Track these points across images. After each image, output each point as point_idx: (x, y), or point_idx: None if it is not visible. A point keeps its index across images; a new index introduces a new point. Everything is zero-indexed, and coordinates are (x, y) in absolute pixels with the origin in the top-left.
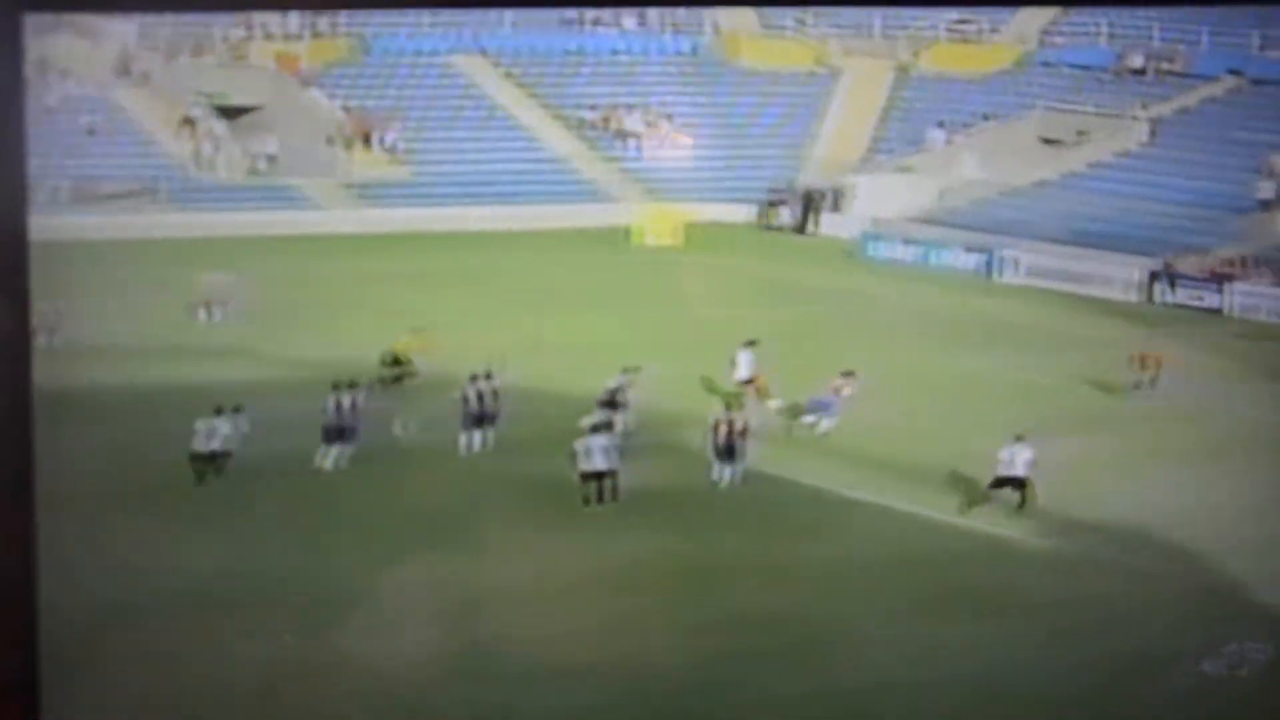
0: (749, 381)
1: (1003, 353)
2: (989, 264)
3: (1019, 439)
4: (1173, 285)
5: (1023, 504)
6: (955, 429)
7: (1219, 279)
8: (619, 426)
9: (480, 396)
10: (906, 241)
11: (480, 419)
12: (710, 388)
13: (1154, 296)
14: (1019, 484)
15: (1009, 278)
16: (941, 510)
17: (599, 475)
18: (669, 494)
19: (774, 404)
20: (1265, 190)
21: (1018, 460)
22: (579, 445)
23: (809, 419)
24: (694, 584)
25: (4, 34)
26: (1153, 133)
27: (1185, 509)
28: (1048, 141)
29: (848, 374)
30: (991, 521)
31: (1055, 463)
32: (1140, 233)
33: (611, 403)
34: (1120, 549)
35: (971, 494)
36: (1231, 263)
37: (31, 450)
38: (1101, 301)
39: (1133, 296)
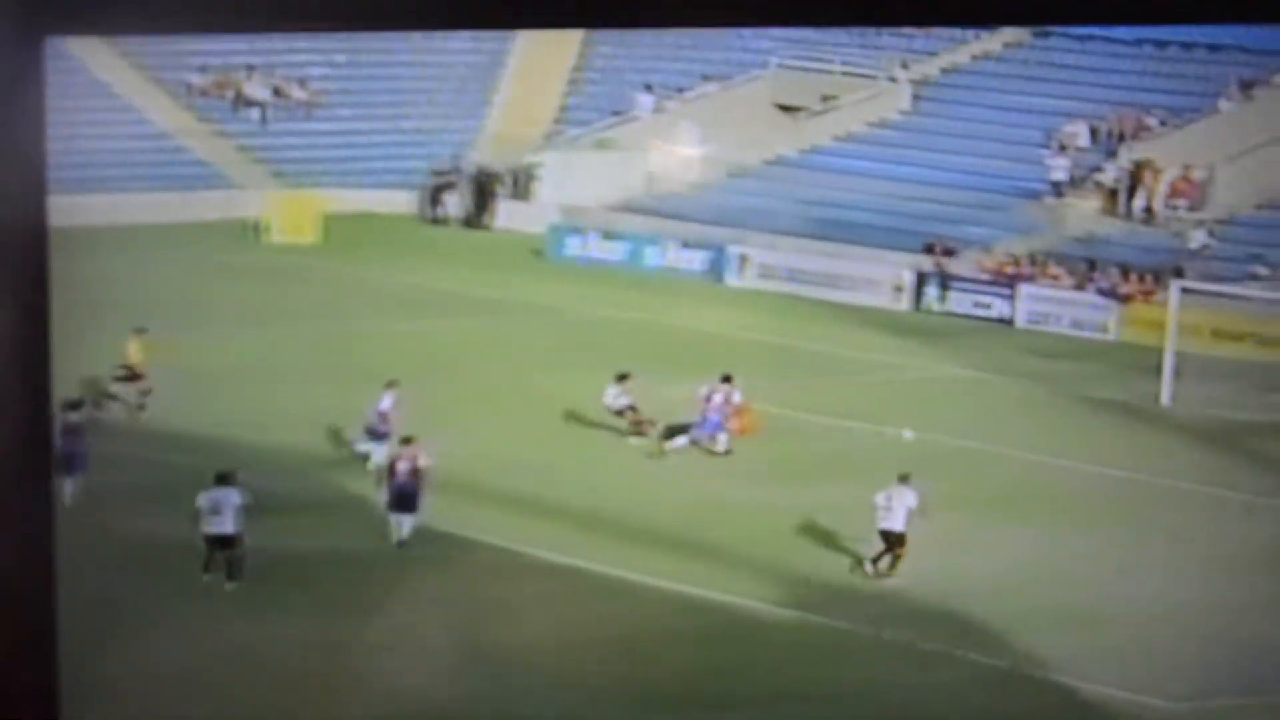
0: (621, 412)
1: (736, 378)
2: (714, 264)
3: (904, 479)
4: (946, 289)
5: (892, 564)
6: (676, 477)
7: (1006, 281)
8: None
9: (66, 432)
10: (608, 236)
11: (68, 460)
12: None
13: (924, 303)
14: (896, 540)
15: (740, 280)
16: (666, 577)
17: (225, 541)
18: (325, 559)
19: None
20: (1057, 169)
21: (897, 506)
22: (204, 500)
23: (678, 443)
24: (351, 674)
25: (27, 57)
26: (917, 97)
27: (976, 575)
28: (785, 109)
29: (725, 379)
30: (740, 591)
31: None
32: (904, 223)
33: (378, 432)
34: (897, 625)
35: (710, 554)
36: (1019, 260)
37: (52, 461)
38: (858, 310)
39: (897, 303)
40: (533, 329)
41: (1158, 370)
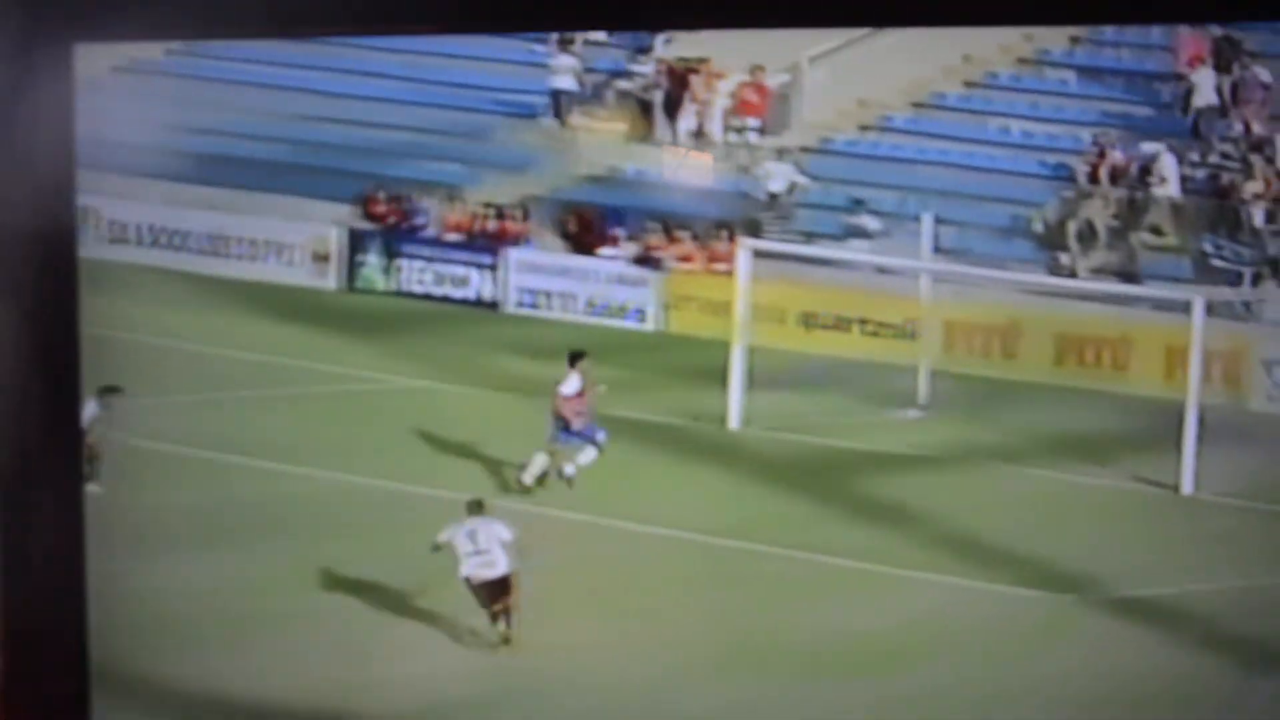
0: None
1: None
2: None
3: (479, 509)
4: (393, 257)
5: (505, 621)
6: None
7: (487, 243)
8: None
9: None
10: None
11: None
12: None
13: (361, 278)
14: (500, 590)
15: (79, 248)
16: None
17: None
18: None
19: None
20: (560, 74)
21: (490, 545)
22: None
23: (586, 458)
24: None
25: (55, 63)
26: None
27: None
28: None
29: (577, 356)
30: None
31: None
32: (328, 159)
33: None
34: None
35: None
36: (506, 212)
37: (80, 464)
38: (261, 289)
39: (320, 279)
40: None
41: (722, 377)
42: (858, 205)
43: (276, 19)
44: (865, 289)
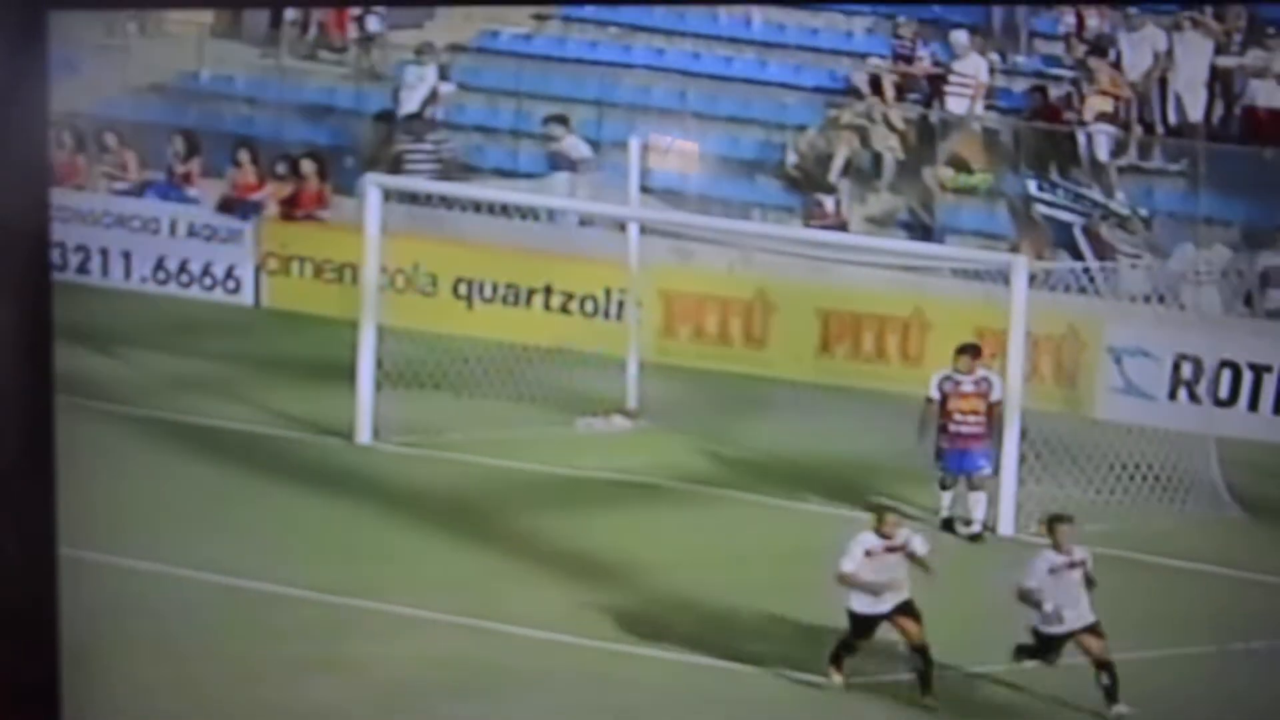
0: None
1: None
2: None
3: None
4: None
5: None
6: None
7: None
8: None
9: None
10: None
11: None
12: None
13: None
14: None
15: None
16: None
17: None
18: None
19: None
20: None
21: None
22: None
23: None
24: None
25: (30, 31)
26: None
27: None
28: None
29: (967, 352)
30: None
31: None
32: None
33: None
34: None
35: None
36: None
37: (53, 452)
38: None
39: None
40: None
41: (347, 372)
42: (555, 124)
43: None
44: (549, 247)
